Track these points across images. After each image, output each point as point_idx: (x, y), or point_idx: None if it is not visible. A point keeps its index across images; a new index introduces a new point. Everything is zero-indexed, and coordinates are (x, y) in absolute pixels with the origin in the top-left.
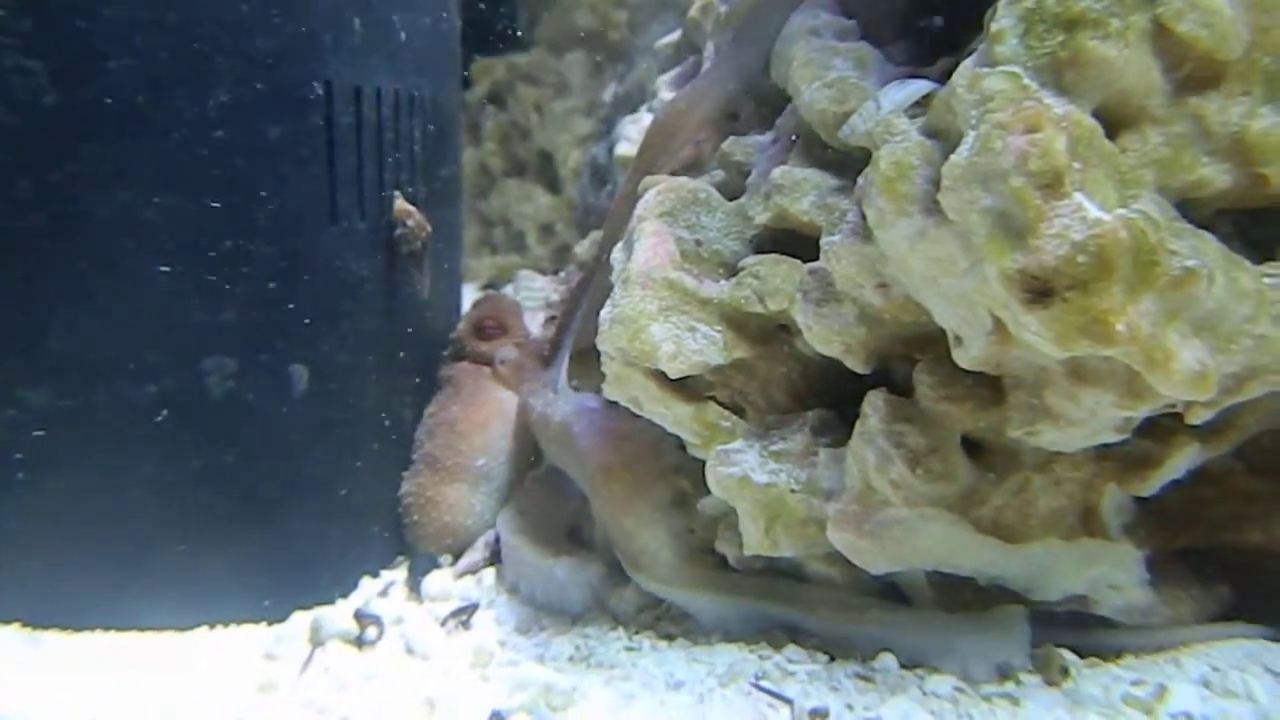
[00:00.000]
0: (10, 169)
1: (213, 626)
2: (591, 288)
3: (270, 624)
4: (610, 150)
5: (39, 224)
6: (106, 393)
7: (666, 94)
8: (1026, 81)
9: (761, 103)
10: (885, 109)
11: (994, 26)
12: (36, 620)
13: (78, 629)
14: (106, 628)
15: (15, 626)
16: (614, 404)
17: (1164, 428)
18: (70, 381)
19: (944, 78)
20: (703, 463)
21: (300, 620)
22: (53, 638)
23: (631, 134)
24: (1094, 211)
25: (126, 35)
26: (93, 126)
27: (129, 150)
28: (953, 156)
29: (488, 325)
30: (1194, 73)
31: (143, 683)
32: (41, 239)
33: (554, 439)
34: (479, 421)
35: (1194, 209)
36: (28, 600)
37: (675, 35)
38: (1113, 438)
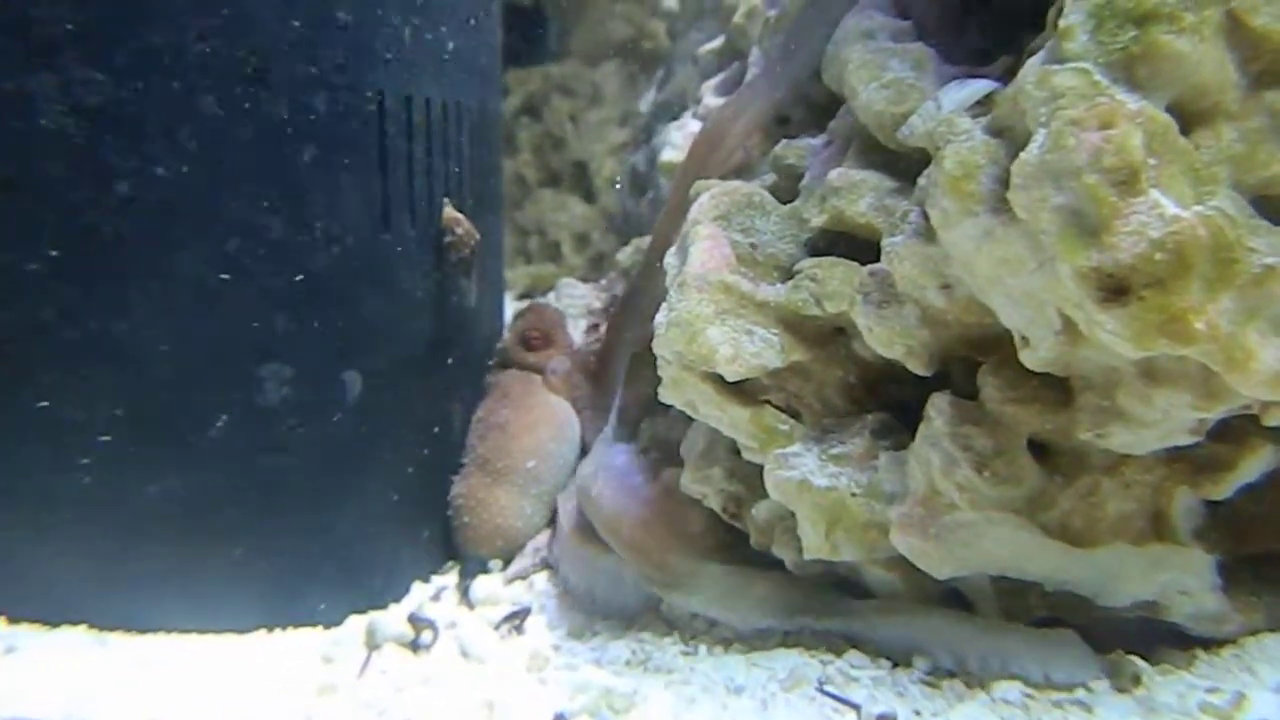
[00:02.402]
0: (73, 178)
1: (270, 629)
2: (640, 296)
3: (326, 627)
4: (651, 158)
5: (100, 233)
6: (167, 400)
7: (711, 100)
8: (1098, 78)
9: (812, 108)
10: (946, 109)
11: (1063, 23)
12: (103, 622)
13: (142, 631)
14: (169, 630)
15: (83, 628)
16: (638, 460)
17: (1237, 429)
18: (132, 389)
19: (1005, 77)
20: (757, 467)
21: (355, 624)
22: (118, 639)
23: (676, 140)
24: (1171, 208)
25: (187, 46)
26: (153, 136)
27: (188, 160)
28: (1023, 154)
29: (533, 336)
30: (1270, 67)
31: (206, 684)
32: (102, 248)
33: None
34: (529, 424)
35: (1270, 205)
36: (94, 603)
37: (718, 41)
38: (1185, 440)
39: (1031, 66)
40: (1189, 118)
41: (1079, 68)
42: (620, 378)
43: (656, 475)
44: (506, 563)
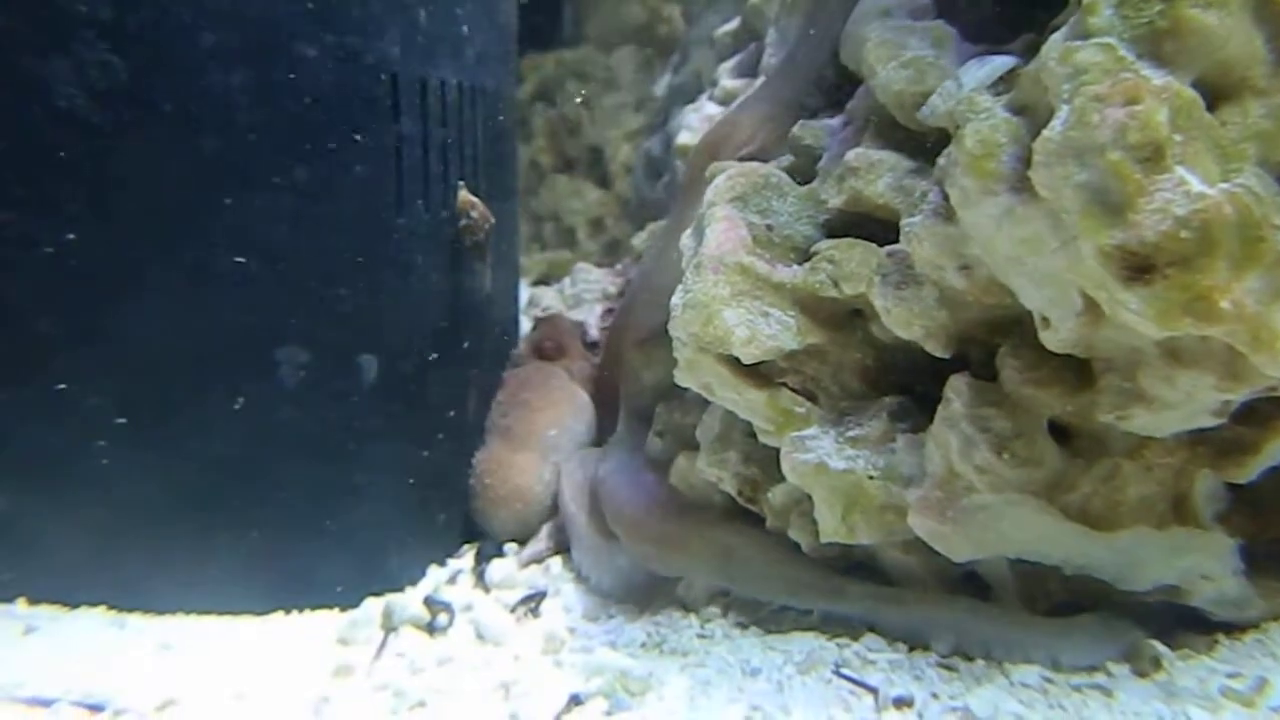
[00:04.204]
0: (87, 160)
1: (288, 611)
2: (648, 289)
3: (343, 610)
4: (667, 143)
5: (115, 216)
6: (183, 382)
7: (727, 82)
8: (1123, 53)
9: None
10: (966, 87)
11: None
12: (121, 604)
13: (160, 612)
14: (187, 611)
15: (101, 609)
16: (647, 463)
17: (1262, 411)
18: (148, 371)
19: (1026, 54)
20: (773, 450)
21: (372, 606)
22: (137, 620)
23: (692, 123)
24: (1197, 185)
25: (199, 28)
26: (168, 118)
27: (202, 142)
28: (1045, 131)
29: (547, 347)
30: None
31: (224, 665)
32: (116, 230)
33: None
34: (551, 401)
35: None
36: (112, 584)
37: (735, 23)
38: (1208, 422)
39: (1054, 42)
40: (1215, 94)
41: (1103, 43)
42: (629, 369)
43: (667, 470)
44: (522, 544)
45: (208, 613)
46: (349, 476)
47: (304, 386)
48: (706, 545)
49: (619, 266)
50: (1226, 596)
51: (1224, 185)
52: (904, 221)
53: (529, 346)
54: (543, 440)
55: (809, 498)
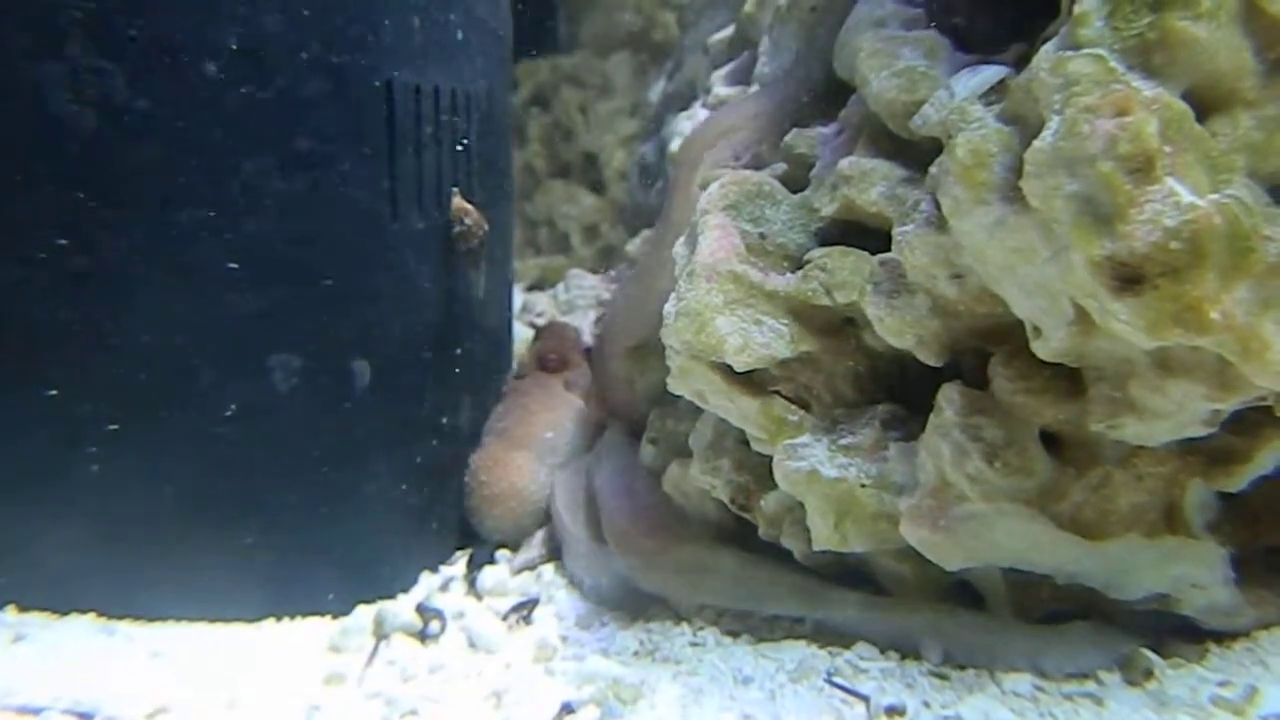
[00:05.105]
0: (81, 166)
1: (279, 619)
2: (637, 296)
3: (334, 617)
4: (661, 149)
5: (108, 223)
6: (175, 388)
7: (721, 89)
8: (1113, 64)
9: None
10: (958, 97)
11: (1077, 8)
12: (111, 610)
13: (150, 619)
14: (177, 618)
15: (90, 616)
16: (640, 470)
17: (1252, 421)
18: (141, 377)
19: (1017, 65)
20: (766, 458)
21: (363, 614)
22: (126, 627)
23: (686, 130)
24: (1187, 196)
25: (194, 33)
26: (161, 125)
27: (196, 149)
28: (1036, 142)
29: (550, 358)
30: None
31: (214, 672)
32: (108, 236)
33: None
34: (549, 405)
35: None
36: (102, 591)
37: (729, 31)
38: (1199, 431)
39: (1045, 53)
40: (1205, 105)
41: (1094, 54)
42: (620, 375)
43: (659, 478)
44: (514, 549)
45: (199, 620)
46: (341, 482)
47: (297, 392)
48: (688, 560)
49: (613, 272)
50: (1217, 605)
51: (1214, 196)
52: (896, 230)
53: (532, 357)
54: (539, 442)
55: (802, 506)
